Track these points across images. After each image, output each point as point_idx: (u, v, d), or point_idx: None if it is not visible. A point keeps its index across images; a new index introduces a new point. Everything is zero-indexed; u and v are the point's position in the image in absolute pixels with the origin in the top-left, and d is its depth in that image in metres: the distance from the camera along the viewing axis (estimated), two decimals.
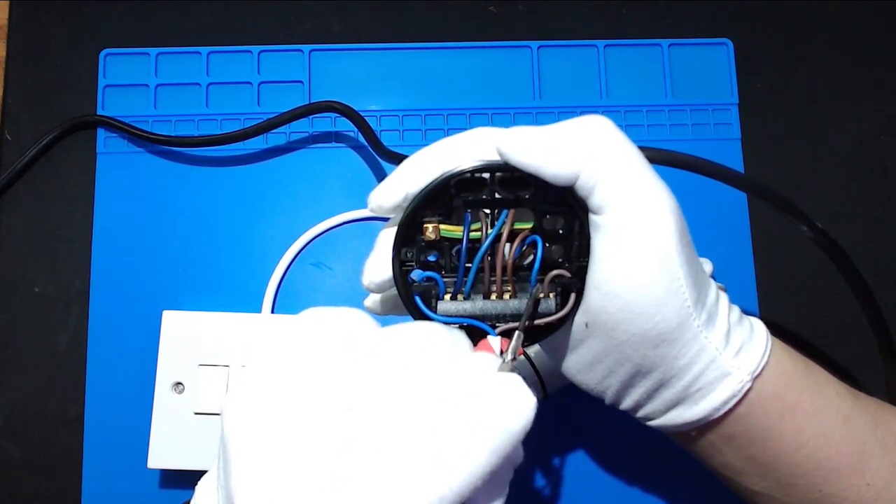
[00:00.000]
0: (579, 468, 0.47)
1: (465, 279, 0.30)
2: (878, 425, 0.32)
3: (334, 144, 0.52)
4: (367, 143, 0.48)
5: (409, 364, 0.26)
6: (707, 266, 0.47)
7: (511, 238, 0.30)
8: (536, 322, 0.30)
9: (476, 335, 0.29)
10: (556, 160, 0.28)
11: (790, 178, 0.52)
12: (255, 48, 0.53)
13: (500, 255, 0.29)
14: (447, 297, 0.30)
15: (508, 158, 0.28)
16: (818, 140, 0.52)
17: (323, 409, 0.25)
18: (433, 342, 0.27)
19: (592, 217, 0.29)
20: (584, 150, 0.28)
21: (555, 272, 0.30)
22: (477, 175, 0.29)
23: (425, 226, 0.29)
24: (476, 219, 0.30)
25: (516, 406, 0.25)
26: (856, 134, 0.53)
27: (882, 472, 0.31)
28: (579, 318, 0.30)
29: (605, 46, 0.53)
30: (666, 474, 0.47)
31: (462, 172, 0.29)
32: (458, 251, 0.30)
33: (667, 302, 0.28)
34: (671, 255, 0.28)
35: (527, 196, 0.29)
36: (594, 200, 0.28)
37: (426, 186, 0.29)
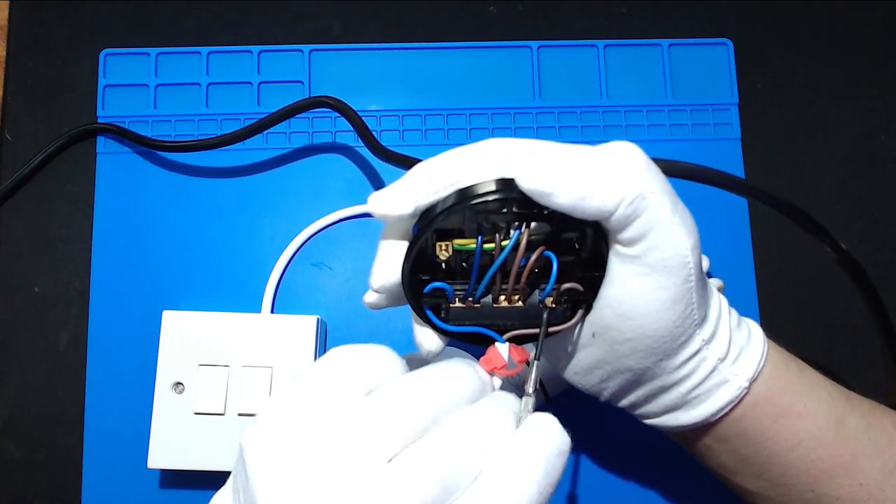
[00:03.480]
0: (579, 470, 0.47)
1: (475, 286, 0.29)
2: (870, 426, 0.32)
3: (334, 144, 0.52)
4: (360, 139, 0.47)
5: (434, 406, 0.24)
6: (705, 262, 0.47)
7: (527, 249, 0.28)
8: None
9: (484, 342, 0.29)
10: (592, 205, 0.26)
11: (790, 178, 0.52)
12: (255, 48, 0.53)
13: (515, 266, 0.28)
14: (457, 300, 0.30)
15: (535, 198, 0.26)
16: (818, 140, 0.52)
17: (341, 449, 0.23)
18: (457, 385, 0.25)
19: (616, 246, 0.28)
20: (617, 191, 0.26)
21: (567, 286, 0.29)
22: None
23: (438, 244, 0.28)
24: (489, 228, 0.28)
25: (557, 448, 0.24)
26: (856, 134, 0.53)
27: (874, 473, 0.31)
28: (586, 328, 0.30)
29: (605, 46, 0.53)
30: (665, 476, 0.47)
31: (483, 202, 0.27)
32: (469, 259, 0.29)
33: (678, 324, 0.28)
34: (689, 286, 0.28)
35: (544, 212, 0.27)
36: (624, 235, 0.27)
37: (441, 213, 0.27)
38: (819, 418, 0.31)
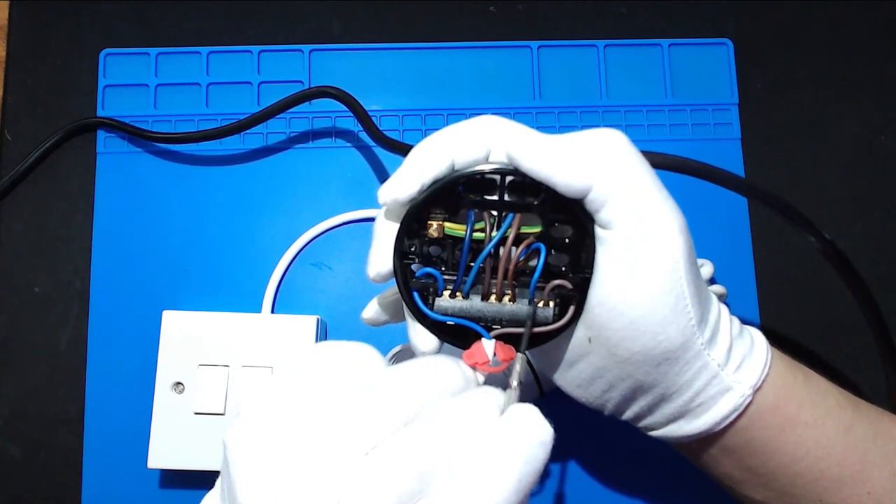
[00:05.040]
0: (576, 470, 0.47)
1: (464, 278, 0.29)
2: (878, 434, 0.32)
3: (334, 143, 0.52)
4: (362, 128, 0.48)
5: (413, 399, 0.24)
6: (708, 268, 0.47)
7: (516, 242, 0.29)
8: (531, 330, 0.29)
9: (470, 337, 0.29)
10: (569, 171, 0.27)
11: (790, 178, 0.52)
12: (255, 48, 0.53)
13: (503, 258, 0.29)
14: (446, 293, 0.30)
15: (519, 164, 0.27)
16: (818, 140, 0.52)
17: (321, 442, 0.23)
18: (440, 378, 0.25)
19: (599, 231, 0.28)
20: (598, 164, 0.27)
21: (556, 282, 0.29)
22: (488, 176, 0.28)
23: (429, 222, 0.29)
24: (481, 219, 0.29)
25: (538, 438, 0.24)
26: (856, 134, 0.53)
27: (883, 481, 0.31)
28: (582, 333, 0.30)
29: (605, 46, 0.53)
30: (664, 477, 0.47)
31: (472, 174, 0.28)
32: (461, 249, 0.29)
33: (672, 321, 0.28)
34: (678, 274, 0.28)
35: (535, 202, 0.29)
36: (603, 215, 0.28)
37: (433, 186, 0.28)
38: (827, 428, 0.31)
